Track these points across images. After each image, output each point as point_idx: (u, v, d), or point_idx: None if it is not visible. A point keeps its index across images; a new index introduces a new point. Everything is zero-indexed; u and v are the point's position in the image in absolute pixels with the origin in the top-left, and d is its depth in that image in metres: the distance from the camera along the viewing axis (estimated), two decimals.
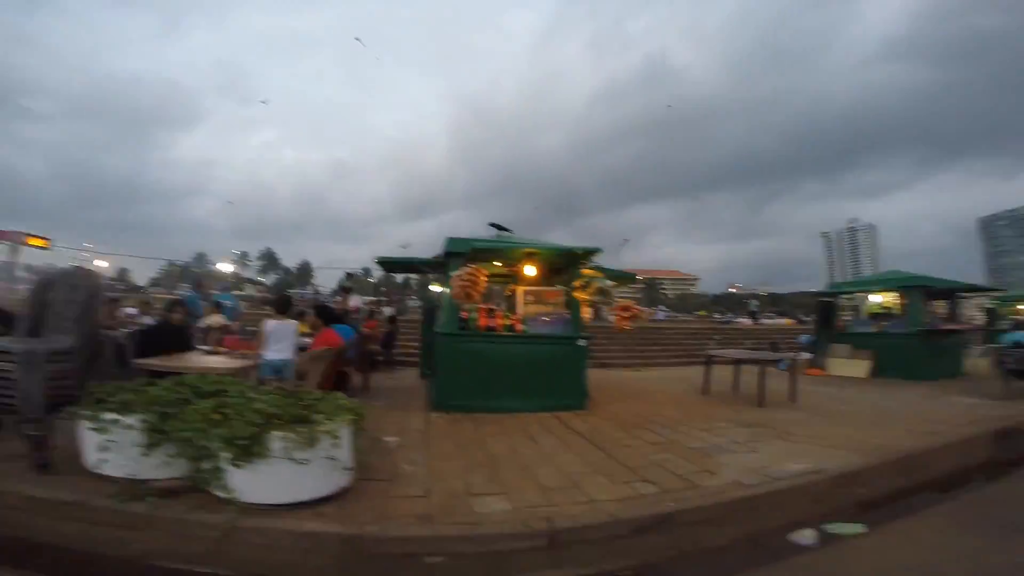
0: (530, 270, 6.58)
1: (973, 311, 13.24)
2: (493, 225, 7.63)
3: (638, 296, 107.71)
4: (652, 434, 4.83)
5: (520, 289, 6.80)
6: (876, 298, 10.27)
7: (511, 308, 6.86)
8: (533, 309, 6.71)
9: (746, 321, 30.54)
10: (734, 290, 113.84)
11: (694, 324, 23.81)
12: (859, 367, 9.58)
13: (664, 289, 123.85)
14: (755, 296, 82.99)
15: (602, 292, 5.63)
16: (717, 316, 50.85)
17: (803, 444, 4.48)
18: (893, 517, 3.26)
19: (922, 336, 8.81)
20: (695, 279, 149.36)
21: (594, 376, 10.35)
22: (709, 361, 7.56)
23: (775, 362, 6.92)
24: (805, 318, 31.15)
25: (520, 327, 6.33)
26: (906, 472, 3.99)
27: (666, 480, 3.48)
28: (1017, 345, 6.52)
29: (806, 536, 3.15)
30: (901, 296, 9.62)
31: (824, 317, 10.45)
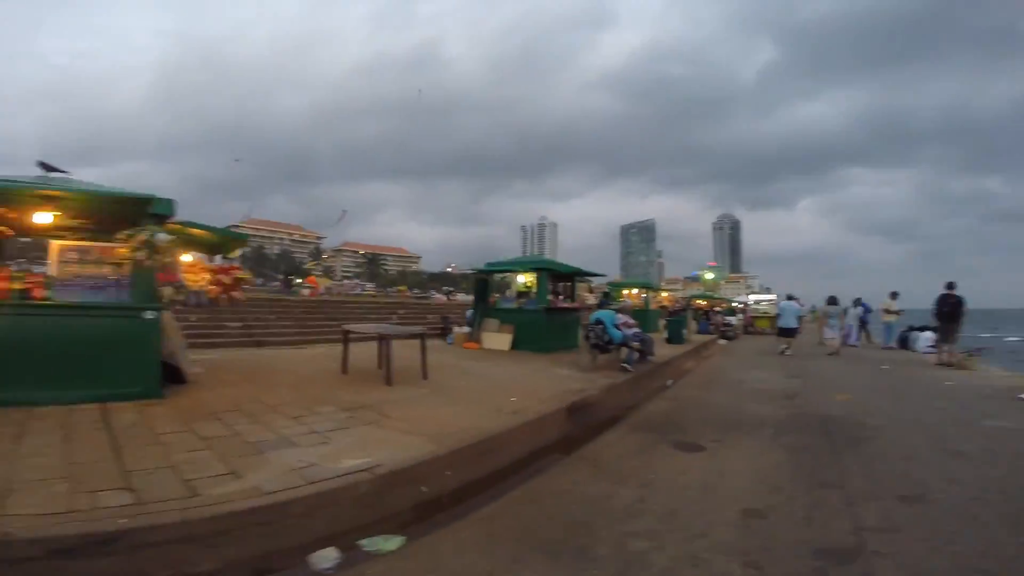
0: (43, 217, 4.55)
1: (586, 293, 16.76)
2: (41, 164, 5.12)
3: (360, 271, 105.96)
4: (220, 426, 3.91)
5: (56, 245, 4.67)
6: (520, 278, 11.58)
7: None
8: (79, 270, 4.69)
9: (440, 297, 32.71)
10: (450, 269, 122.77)
11: (389, 299, 23.73)
12: (504, 340, 10.60)
13: (387, 265, 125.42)
14: (465, 275, 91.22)
15: (150, 247, 4.12)
16: (416, 292, 53.75)
17: (389, 431, 4.06)
18: (436, 526, 2.89)
19: (547, 313, 10.23)
20: (418, 258, 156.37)
21: (237, 356, 8.92)
22: (347, 337, 6.90)
23: (420, 336, 6.72)
24: None
25: (41, 293, 4.30)
26: (476, 461, 3.84)
27: (161, 488, 2.66)
28: (598, 322, 7.90)
29: (326, 557, 2.56)
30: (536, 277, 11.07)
31: (480, 293, 11.23)
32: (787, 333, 13.25)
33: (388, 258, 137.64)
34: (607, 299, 14.64)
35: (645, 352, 8.69)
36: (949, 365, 10.01)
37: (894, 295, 14.67)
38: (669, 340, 13.43)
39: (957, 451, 4.10)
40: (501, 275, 12.03)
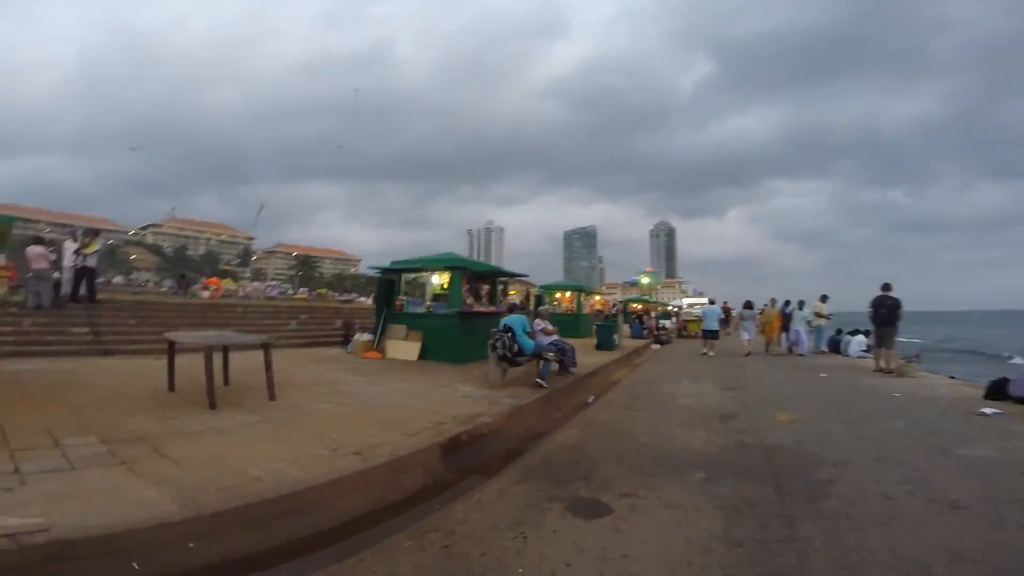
0: None
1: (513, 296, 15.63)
2: None
3: (293, 273, 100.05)
4: None
5: None
6: (435, 278, 10.20)
7: None
8: None
9: (366, 301, 30.80)
10: None
11: (293, 303, 21.59)
12: (410, 350, 9.15)
13: (323, 268, 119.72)
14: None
15: None
16: (339, 295, 51.35)
17: (136, 477, 2.79)
18: None
19: (460, 318, 8.88)
20: (357, 260, 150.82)
21: (60, 367, 6.83)
22: (172, 349, 5.24)
23: (264, 346, 5.15)
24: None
25: None
26: (249, 529, 2.49)
27: None
28: (506, 329, 6.63)
29: None
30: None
31: (384, 296, 9.73)
32: (710, 335, 14.01)
33: (325, 261, 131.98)
34: (539, 302, 13.57)
35: (565, 364, 7.52)
36: (888, 372, 9.55)
37: (824, 298, 14.48)
38: (599, 346, 12.47)
39: (949, 502, 3.08)
40: (413, 275, 10.55)
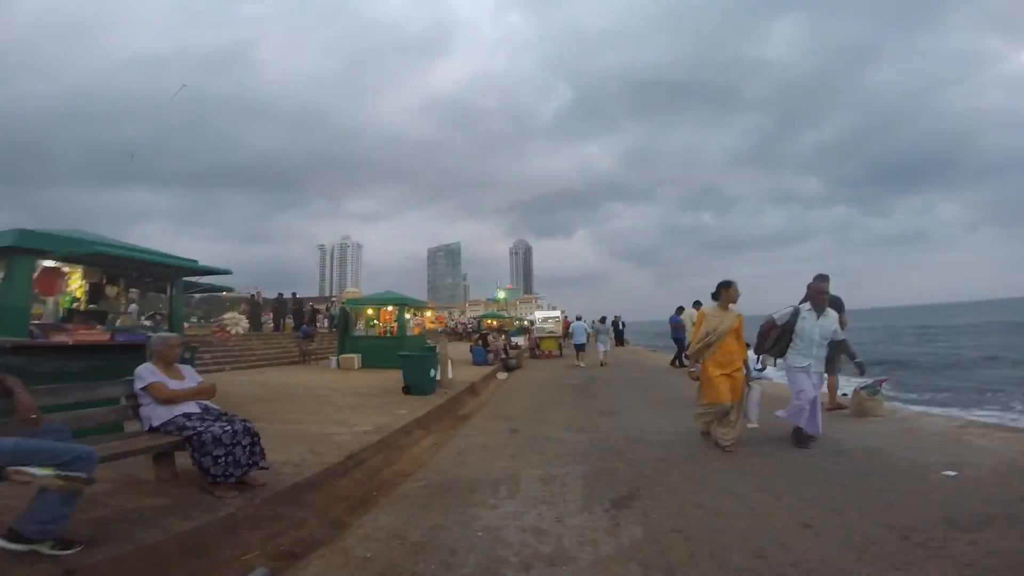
0: None
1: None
2: None
3: None
4: None
5: None
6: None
7: None
8: None
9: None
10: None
11: None
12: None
13: None
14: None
15: None
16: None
17: None
18: None
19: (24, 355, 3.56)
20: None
21: None
22: None
23: None
24: None
25: None
26: None
27: None
28: None
29: None
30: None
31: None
32: (580, 348, 15.43)
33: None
34: (344, 318, 8.64)
35: (209, 472, 2.77)
36: (839, 408, 6.48)
37: (697, 304, 11.80)
38: (407, 390, 7.87)
39: None
40: None
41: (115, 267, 6.01)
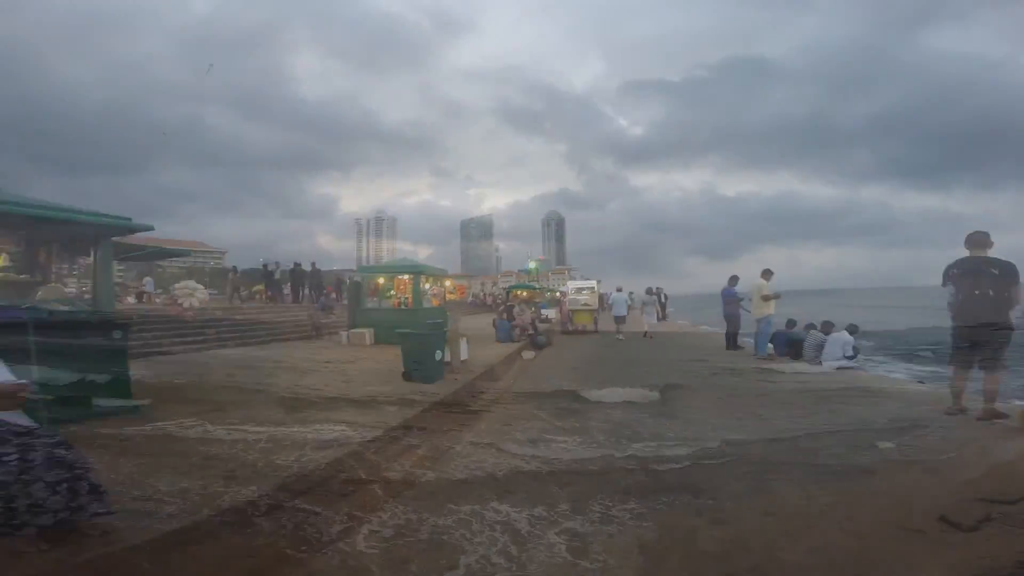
0: None
1: None
2: None
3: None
4: None
5: None
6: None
7: None
8: None
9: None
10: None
11: None
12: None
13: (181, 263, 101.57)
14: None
15: None
16: None
17: None
18: None
19: None
20: (222, 252, 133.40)
21: None
22: None
23: None
24: None
25: None
26: None
27: None
28: None
29: None
30: None
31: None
32: (620, 320, 15.23)
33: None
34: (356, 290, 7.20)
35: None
36: (996, 417, 4.56)
37: (767, 273, 9.77)
38: (408, 376, 6.39)
39: None
40: None
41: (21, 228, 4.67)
